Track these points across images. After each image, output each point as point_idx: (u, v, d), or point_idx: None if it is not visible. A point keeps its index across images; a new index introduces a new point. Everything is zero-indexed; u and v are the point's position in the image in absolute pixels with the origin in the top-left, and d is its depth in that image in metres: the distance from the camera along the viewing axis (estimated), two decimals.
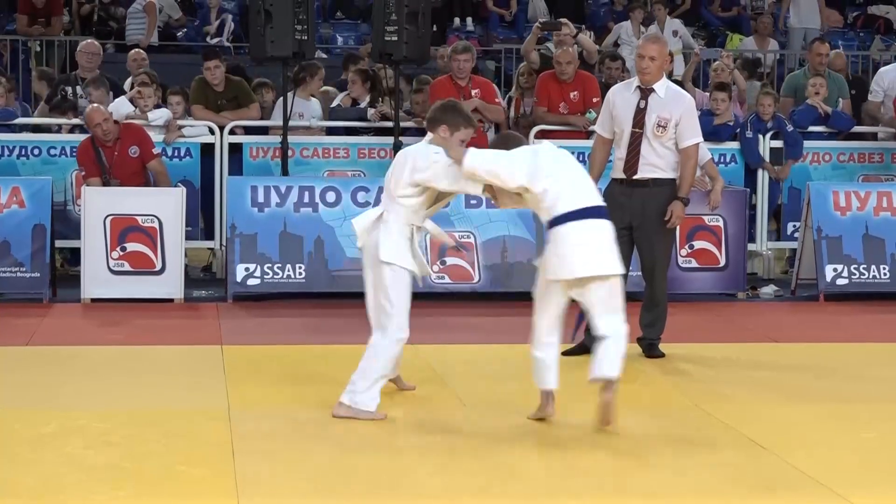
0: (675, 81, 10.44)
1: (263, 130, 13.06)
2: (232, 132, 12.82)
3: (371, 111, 13.12)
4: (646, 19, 18.20)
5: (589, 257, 7.12)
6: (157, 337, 10.00)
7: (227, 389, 8.16)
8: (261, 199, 11.55)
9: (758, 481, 6.41)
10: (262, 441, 6.98)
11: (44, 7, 17.94)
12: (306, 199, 11.59)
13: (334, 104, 13.48)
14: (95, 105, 11.98)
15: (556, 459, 6.76)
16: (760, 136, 13.02)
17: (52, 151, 12.52)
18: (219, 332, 10.18)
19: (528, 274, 11.64)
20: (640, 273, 9.47)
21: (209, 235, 12.85)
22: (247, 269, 11.48)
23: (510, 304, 10.82)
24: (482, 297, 11.58)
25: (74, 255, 12.20)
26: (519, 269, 11.54)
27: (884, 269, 12.02)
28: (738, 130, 13.04)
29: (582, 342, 8.45)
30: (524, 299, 11.50)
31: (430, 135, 7.52)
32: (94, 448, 6.78)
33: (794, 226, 12.86)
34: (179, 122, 12.65)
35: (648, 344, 9.29)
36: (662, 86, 9.11)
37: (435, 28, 17.23)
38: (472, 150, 7.25)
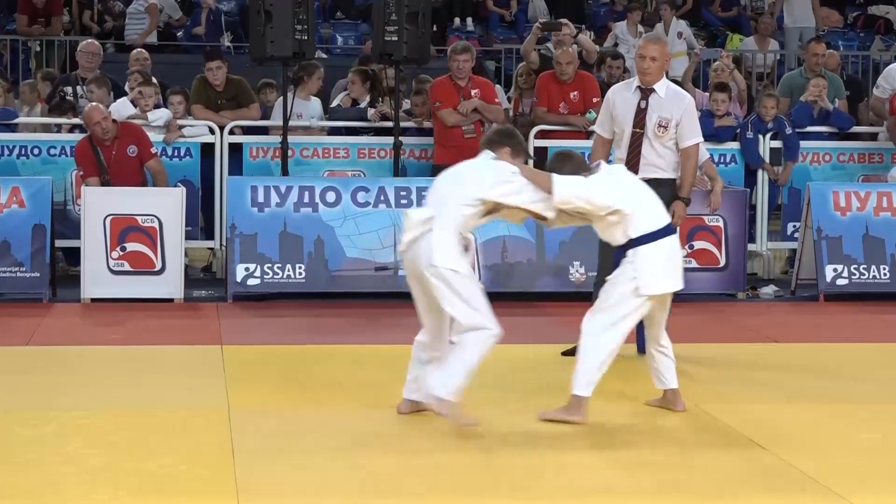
0: (675, 81, 10.43)
1: (263, 130, 13.05)
2: (232, 132, 12.81)
3: (371, 111, 13.11)
4: (645, 19, 18.19)
5: (677, 273, 7.48)
6: (157, 337, 10.00)
7: (227, 389, 8.16)
8: (261, 199, 11.54)
9: (758, 481, 6.41)
10: (262, 441, 6.98)
11: (44, 7, 17.93)
12: (306, 199, 11.58)
13: (334, 104, 13.48)
14: (94, 104, 11.97)
15: (556, 459, 6.75)
16: (760, 137, 13.01)
17: (52, 151, 12.51)
18: (219, 332, 10.17)
19: (528, 274, 11.75)
20: None
21: (209, 235, 12.84)
22: (247, 269, 11.48)
23: (510, 304, 10.78)
24: None
25: (74, 255, 12.18)
26: (519, 269, 11.54)
27: (884, 269, 12.01)
28: (739, 131, 13.04)
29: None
30: (524, 299, 11.64)
31: (489, 152, 7.43)
32: (94, 448, 6.78)
33: (794, 226, 12.85)
34: (179, 122, 12.64)
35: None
36: (663, 86, 9.09)
37: (435, 28, 17.23)
38: (557, 177, 7.22)
